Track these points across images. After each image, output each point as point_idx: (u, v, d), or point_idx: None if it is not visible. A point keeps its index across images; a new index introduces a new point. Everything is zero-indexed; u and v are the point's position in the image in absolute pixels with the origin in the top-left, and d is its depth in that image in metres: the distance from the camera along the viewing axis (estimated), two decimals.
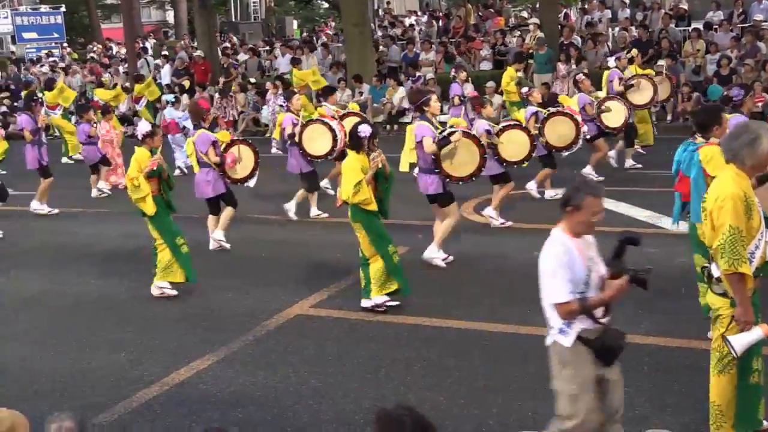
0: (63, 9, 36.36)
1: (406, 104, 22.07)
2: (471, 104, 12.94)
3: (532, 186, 13.58)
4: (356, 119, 11.57)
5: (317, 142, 12.96)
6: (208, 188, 11.49)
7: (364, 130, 8.86)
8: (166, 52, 29.11)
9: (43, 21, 36.02)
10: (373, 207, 8.79)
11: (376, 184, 8.91)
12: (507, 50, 23.37)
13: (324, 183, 14.44)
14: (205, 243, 11.68)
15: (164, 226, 9.86)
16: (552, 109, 13.26)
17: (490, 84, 19.03)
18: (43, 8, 37.12)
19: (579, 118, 13.27)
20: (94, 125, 16.26)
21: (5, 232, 13.60)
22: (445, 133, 10.25)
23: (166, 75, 26.41)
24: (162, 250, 9.83)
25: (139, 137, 10.10)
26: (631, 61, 16.24)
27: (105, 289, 10.52)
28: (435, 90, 18.35)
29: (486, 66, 23.52)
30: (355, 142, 8.91)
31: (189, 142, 11.95)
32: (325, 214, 13.15)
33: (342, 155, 13.21)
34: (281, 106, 20.10)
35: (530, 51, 22.04)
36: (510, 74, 18.31)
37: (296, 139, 12.97)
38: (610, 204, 13.01)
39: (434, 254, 10.50)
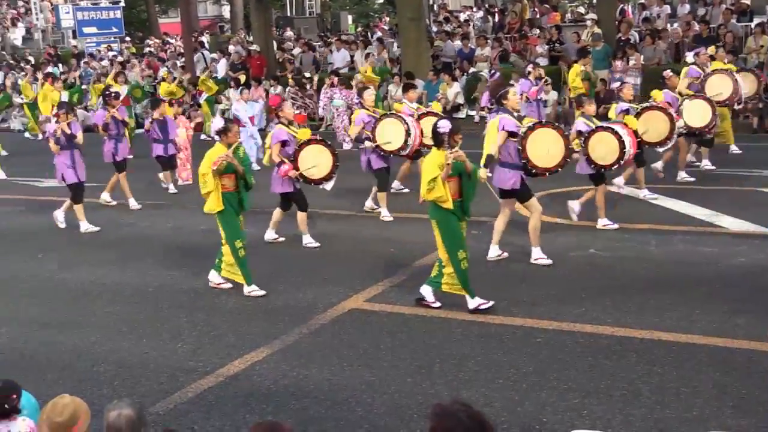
0: (122, 4, 36.84)
1: (460, 99, 22.05)
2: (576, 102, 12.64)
3: (619, 182, 13.43)
4: (434, 119, 11.42)
5: (390, 136, 12.72)
6: (277, 184, 11.53)
7: (444, 125, 8.75)
8: (231, 47, 29.18)
9: (102, 16, 36.49)
10: (449, 205, 8.64)
11: (459, 182, 8.78)
12: (563, 47, 23.16)
13: (395, 184, 14.42)
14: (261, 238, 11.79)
15: (229, 225, 9.79)
16: (645, 105, 13.01)
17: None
18: (103, 3, 37.62)
19: (673, 112, 12.88)
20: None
21: (96, 223, 13.72)
22: (530, 125, 10.17)
23: (222, 69, 26.62)
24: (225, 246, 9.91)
25: (213, 134, 10.15)
26: (712, 57, 15.78)
27: (166, 279, 10.64)
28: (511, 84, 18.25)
29: (542, 62, 23.32)
30: (435, 138, 8.83)
31: (269, 135, 11.98)
32: (378, 208, 13.14)
33: (417, 154, 13.19)
34: (337, 100, 20.16)
35: (587, 47, 21.83)
36: (576, 71, 18.22)
37: (369, 134, 12.81)
38: (668, 202, 12.88)
39: (495, 253, 10.49)
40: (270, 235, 11.96)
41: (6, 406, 5.20)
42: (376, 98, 14.19)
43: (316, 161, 11.50)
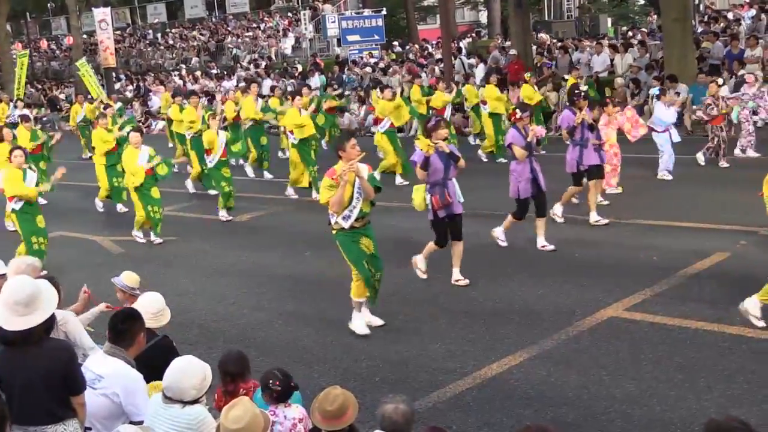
0: (384, 12, 38.09)
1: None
2: None
3: None
4: None
5: None
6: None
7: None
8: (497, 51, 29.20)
9: (365, 24, 37.91)
10: None
11: None
12: None
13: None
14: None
15: None
16: None
17: None
18: (366, 12, 39.08)
19: None
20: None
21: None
22: None
23: (480, 74, 26.82)
24: None
25: None
26: None
27: (430, 282, 10.72)
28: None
29: None
30: None
31: None
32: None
33: None
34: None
35: None
36: None
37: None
38: None
39: None
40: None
41: (292, 384, 5.59)
42: None
43: None
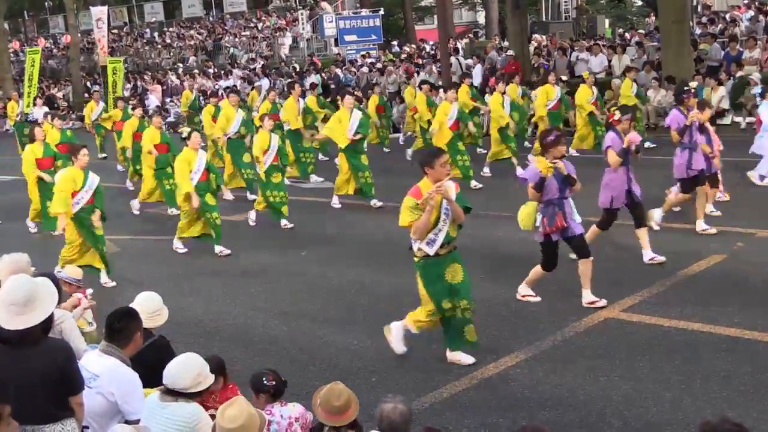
0: (381, 12, 38.14)
1: (725, 104, 20.96)
2: None
3: None
4: None
5: None
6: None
7: None
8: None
9: (363, 24, 37.97)
10: None
11: None
12: None
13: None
14: None
15: None
16: None
17: None
18: (364, 12, 39.10)
19: None
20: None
21: None
22: None
23: (477, 75, 26.83)
24: None
25: None
26: None
27: None
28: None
29: None
30: None
31: None
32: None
33: None
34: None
35: None
36: None
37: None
38: None
39: None
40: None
41: (282, 379, 5.62)
42: None
43: None
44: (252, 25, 49.54)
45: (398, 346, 8.33)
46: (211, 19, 54.97)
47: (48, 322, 4.94)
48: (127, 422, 5.26)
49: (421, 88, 20.27)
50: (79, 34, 47.10)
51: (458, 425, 6.90)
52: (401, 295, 10.27)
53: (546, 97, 18.88)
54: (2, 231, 15.94)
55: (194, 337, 9.22)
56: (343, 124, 15.24)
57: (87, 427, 5.29)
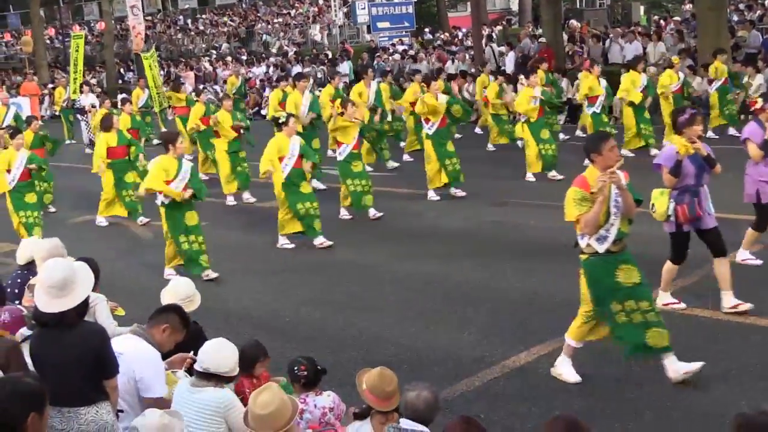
0: None
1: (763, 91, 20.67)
2: None
3: None
4: None
5: None
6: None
7: None
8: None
9: (395, 11, 37.86)
10: None
11: None
12: None
13: None
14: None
15: None
16: None
17: None
18: None
19: None
20: None
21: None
22: None
23: (510, 62, 26.69)
24: None
25: None
26: None
27: (455, 271, 10.78)
28: None
29: None
30: None
31: None
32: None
33: None
34: None
35: None
36: None
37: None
38: None
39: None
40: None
41: (319, 368, 5.64)
42: None
43: None
44: (285, 12, 49.61)
45: (572, 377, 7.43)
46: (244, 5, 55.12)
47: (84, 306, 4.99)
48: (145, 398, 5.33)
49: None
50: (113, 21, 47.38)
51: (490, 414, 6.87)
52: (432, 283, 10.30)
53: (669, 80, 17.82)
54: (56, 219, 15.62)
55: (224, 324, 9.22)
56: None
57: (122, 411, 5.33)
